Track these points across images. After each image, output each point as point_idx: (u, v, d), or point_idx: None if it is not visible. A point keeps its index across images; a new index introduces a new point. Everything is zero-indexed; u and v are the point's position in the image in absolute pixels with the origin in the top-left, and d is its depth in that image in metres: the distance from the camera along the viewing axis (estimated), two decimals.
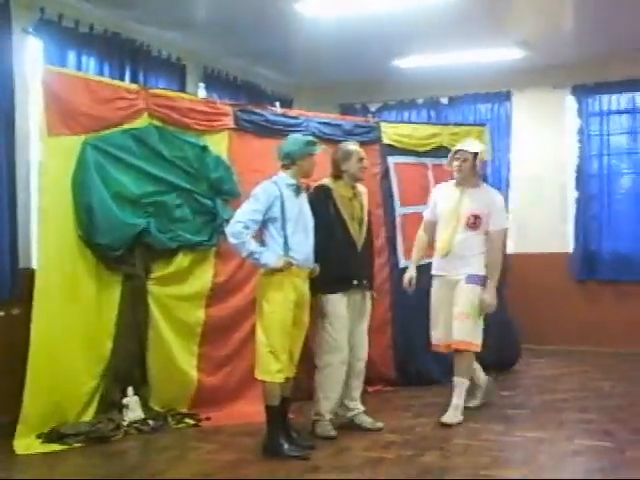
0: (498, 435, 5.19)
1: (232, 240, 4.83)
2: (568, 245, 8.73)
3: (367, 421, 5.36)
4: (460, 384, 5.57)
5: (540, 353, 8.18)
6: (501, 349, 6.94)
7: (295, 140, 5.12)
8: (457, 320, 5.51)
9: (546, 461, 4.64)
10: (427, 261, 5.93)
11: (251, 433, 5.25)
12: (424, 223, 5.96)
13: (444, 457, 4.71)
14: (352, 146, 5.40)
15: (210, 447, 5.02)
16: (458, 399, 5.56)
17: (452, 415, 5.49)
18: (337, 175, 5.31)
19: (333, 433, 5.17)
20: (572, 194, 8.70)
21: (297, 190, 5.01)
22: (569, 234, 8.72)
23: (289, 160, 5.03)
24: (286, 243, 4.89)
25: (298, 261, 4.90)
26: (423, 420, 5.59)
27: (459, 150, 5.80)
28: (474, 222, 5.63)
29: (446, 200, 5.76)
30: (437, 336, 5.76)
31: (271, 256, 4.82)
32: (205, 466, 4.69)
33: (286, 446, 4.81)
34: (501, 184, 8.84)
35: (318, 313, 5.16)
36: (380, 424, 5.37)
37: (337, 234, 5.19)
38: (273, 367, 4.79)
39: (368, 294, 5.37)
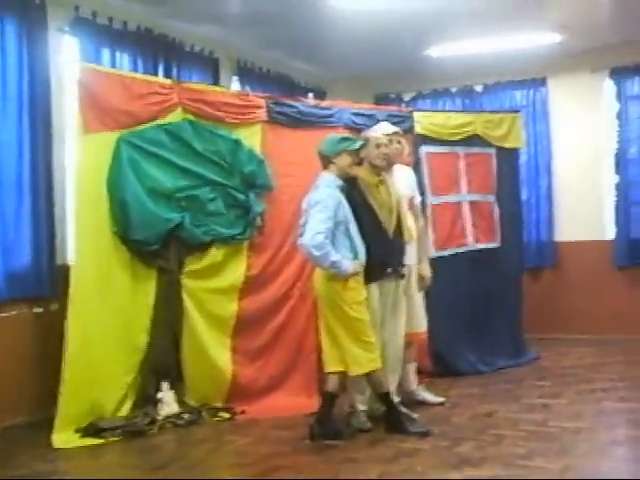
0: (535, 425, 5.14)
1: (315, 253, 4.81)
2: (609, 232, 8.58)
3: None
4: None
5: (580, 342, 8.09)
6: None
7: (327, 139, 5.17)
8: None
9: (584, 451, 4.59)
10: (455, 251, 5.88)
11: (286, 426, 5.28)
12: None
13: (479, 447, 4.67)
14: (372, 132, 5.35)
15: (245, 440, 5.05)
16: None
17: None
18: (359, 163, 5.23)
19: (368, 425, 5.16)
20: (612, 179, 8.55)
21: (343, 190, 5.06)
22: (610, 220, 8.58)
23: (326, 160, 5.08)
24: (352, 246, 4.96)
25: (362, 260, 4.99)
26: (459, 410, 5.56)
27: (397, 132, 5.62)
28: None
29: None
30: None
31: (348, 263, 4.88)
32: (241, 458, 4.73)
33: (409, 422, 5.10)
34: (539, 171, 8.77)
35: None
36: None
37: (366, 222, 5.10)
38: (373, 355, 4.95)
39: (402, 285, 5.33)
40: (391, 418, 5.09)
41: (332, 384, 5.03)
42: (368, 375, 5.02)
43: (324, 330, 5.07)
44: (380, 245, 5.12)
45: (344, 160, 5.09)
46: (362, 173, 5.22)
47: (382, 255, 5.13)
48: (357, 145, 5.16)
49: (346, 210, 5.00)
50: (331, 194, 4.97)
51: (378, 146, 5.24)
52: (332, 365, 5.03)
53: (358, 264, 4.95)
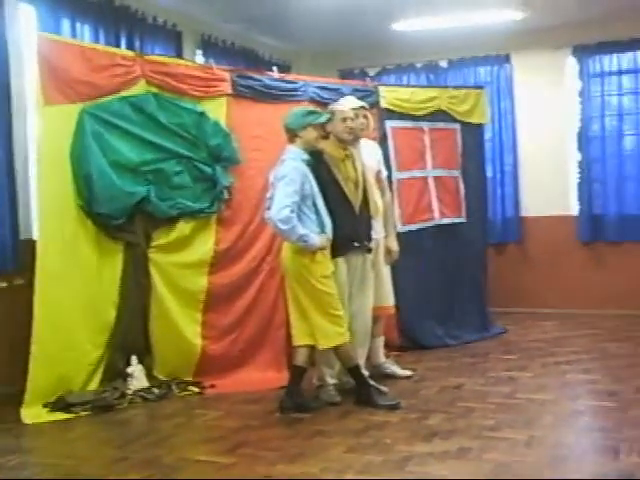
0: (502, 397, 5.19)
1: (282, 226, 4.80)
2: (573, 208, 8.65)
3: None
4: None
5: (545, 316, 8.19)
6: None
7: (293, 112, 5.14)
8: None
9: (550, 422, 4.65)
10: (421, 225, 5.89)
11: (255, 400, 5.28)
12: None
13: (448, 420, 4.71)
14: (338, 106, 5.31)
15: (215, 414, 5.03)
16: None
17: None
18: (325, 136, 5.19)
19: (338, 399, 5.18)
20: (575, 156, 8.62)
21: (309, 164, 5.03)
22: (573, 196, 8.65)
23: (291, 134, 5.06)
24: (319, 219, 4.95)
25: (329, 234, 4.99)
26: (427, 383, 5.60)
27: (363, 106, 5.60)
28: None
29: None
30: None
31: (315, 237, 4.86)
32: (210, 432, 4.71)
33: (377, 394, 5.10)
34: (503, 147, 8.81)
35: None
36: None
37: (332, 196, 5.08)
38: (341, 329, 4.96)
39: (369, 259, 5.33)
40: (360, 391, 5.10)
41: (301, 358, 5.04)
42: (336, 349, 5.03)
43: (292, 304, 5.07)
44: (347, 219, 5.12)
45: (310, 134, 5.07)
46: (328, 147, 5.19)
47: (349, 229, 5.13)
48: (323, 119, 5.13)
49: (312, 184, 4.99)
50: (297, 167, 4.94)
51: (344, 120, 5.20)
52: (300, 339, 5.04)
53: (325, 238, 4.95)
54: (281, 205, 4.81)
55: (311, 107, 5.49)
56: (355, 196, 5.18)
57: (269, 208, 4.99)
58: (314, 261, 4.90)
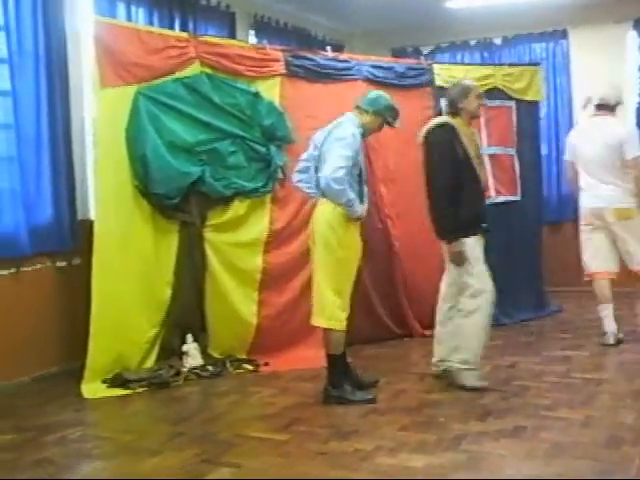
0: (558, 377, 5.14)
1: (335, 186, 4.62)
2: None
3: None
4: None
5: None
6: None
7: (386, 99, 5.00)
8: None
9: (606, 402, 4.59)
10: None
11: (309, 378, 5.31)
12: None
13: (503, 399, 4.68)
14: (470, 82, 5.16)
15: (269, 391, 5.08)
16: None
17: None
18: (454, 113, 4.99)
19: (485, 383, 4.92)
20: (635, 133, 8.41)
21: (362, 135, 4.91)
22: None
23: (372, 108, 4.93)
24: (360, 190, 4.88)
25: (366, 206, 4.96)
26: (481, 362, 5.53)
27: None
28: None
29: None
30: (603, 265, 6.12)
31: (359, 205, 4.80)
32: (264, 409, 4.76)
33: (350, 390, 4.79)
34: (559, 125, 8.65)
35: (452, 259, 4.95)
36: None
37: (467, 175, 4.87)
38: (342, 315, 4.75)
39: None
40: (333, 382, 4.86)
41: (337, 344, 4.79)
42: (328, 331, 4.81)
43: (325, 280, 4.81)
44: (477, 200, 4.99)
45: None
46: (458, 123, 4.97)
47: (479, 209, 4.99)
48: (394, 125, 5.04)
49: (361, 154, 4.89)
50: (355, 134, 4.81)
51: (479, 97, 5.09)
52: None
53: (365, 208, 4.90)
54: (337, 165, 4.64)
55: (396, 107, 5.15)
56: (482, 174, 5.07)
57: (301, 170, 4.98)
58: (347, 233, 4.76)
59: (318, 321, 4.83)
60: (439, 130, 4.94)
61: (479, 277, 4.94)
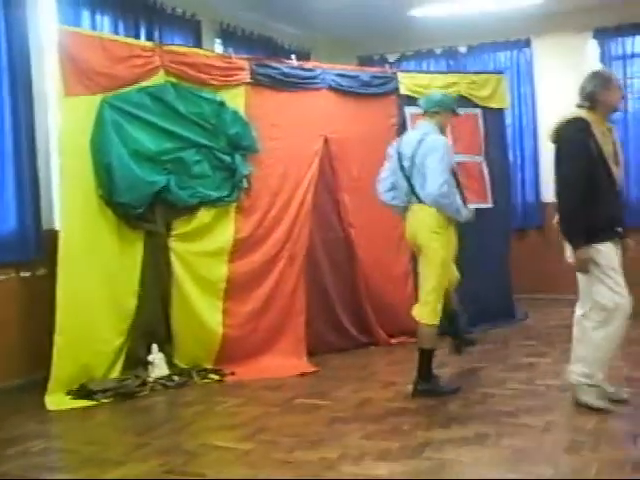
0: (521, 383, 5.20)
1: (444, 201, 4.82)
2: None
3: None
4: None
5: (566, 302, 8.00)
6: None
7: (446, 95, 5.33)
8: None
9: (568, 408, 4.63)
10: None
11: (275, 387, 5.33)
12: None
13: (466, 406, 4.73)
14: (608, 70, 5.02)
15: (235, 401, 5.08)
16: None
17: None
18: (591, 106, 4.49)
19: (606, 405, 4.51)
20: None
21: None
22: None
23: (442, 108, 5.09)
24: (460, 191, 5.02)
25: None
26: (447, 369, 5.60)
27: None
28: None
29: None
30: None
31: (465, 210, 4.99)
32: (231, 419, 4.75)
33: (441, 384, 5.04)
34: (523, 133, 8.76)
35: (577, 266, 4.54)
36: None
37: (601, 175, 4.41)
38: (440, 310, 5.01)
39: (620, 246, 4.61)
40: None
41: (435, 340, 5.03)
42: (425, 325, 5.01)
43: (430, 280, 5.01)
44: (612, 202, 4.50)
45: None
46: (595, 119, 4.48)
47: (615, 211, 4.53)
48: (459, 113, 5.36)
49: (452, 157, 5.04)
50: (445, 140, 5.02)
51: (621, 88, 4.76)
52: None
53: (470, 212, 5.08)
54: (440, 181, 4.79)
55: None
56: (617, 176, 4.54)
57: (391, 189, 5.11)
58: (449, 234, 4.97)
59: (421, 316, 4.99)
60: (572, 126, 4.47)
61: (612, 289, 4.45)
